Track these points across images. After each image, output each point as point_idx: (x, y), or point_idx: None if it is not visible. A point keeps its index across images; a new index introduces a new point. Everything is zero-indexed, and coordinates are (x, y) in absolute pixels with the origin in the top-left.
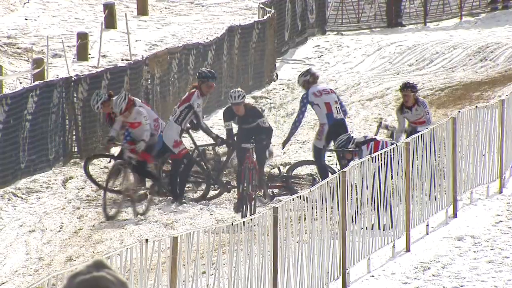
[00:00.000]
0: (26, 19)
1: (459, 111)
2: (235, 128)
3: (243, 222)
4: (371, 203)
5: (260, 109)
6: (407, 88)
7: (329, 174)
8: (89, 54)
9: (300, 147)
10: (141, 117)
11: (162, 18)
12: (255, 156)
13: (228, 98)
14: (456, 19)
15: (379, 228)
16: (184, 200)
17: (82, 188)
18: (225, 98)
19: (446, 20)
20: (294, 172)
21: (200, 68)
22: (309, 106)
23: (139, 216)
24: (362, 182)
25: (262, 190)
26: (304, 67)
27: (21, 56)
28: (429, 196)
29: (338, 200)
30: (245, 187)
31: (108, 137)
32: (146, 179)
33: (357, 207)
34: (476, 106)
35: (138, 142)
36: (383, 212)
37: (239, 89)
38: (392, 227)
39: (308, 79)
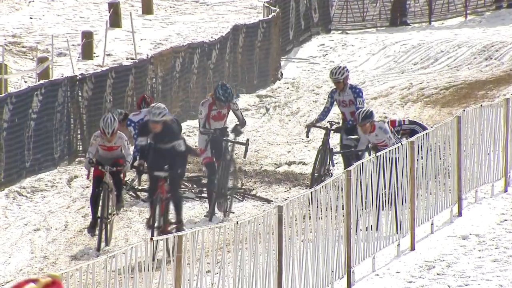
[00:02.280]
0: (31, 18)
1: (464, 110)
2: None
3: (248, 221)
4: (376, 203)
5: (179, 130)
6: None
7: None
8: (94, 53)
9: (305, 146)
10: (123, 141)
11: (167, 17)
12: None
13: (147, 113)
14: (461, 17)
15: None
16: (211, 215)
17: (87, 187)
18: None
19: (451, 19)
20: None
21: (205, 67)
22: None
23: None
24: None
25: (177, 223)
26: (309, 66)
27: (26, 55)
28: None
29: (343, 199)
30: (156, 220)
31: (88, 160)
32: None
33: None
34: (481, 105)
35: (124, 163)
36: (386, 212)
37: (161, 105)
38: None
39: (348, 74)
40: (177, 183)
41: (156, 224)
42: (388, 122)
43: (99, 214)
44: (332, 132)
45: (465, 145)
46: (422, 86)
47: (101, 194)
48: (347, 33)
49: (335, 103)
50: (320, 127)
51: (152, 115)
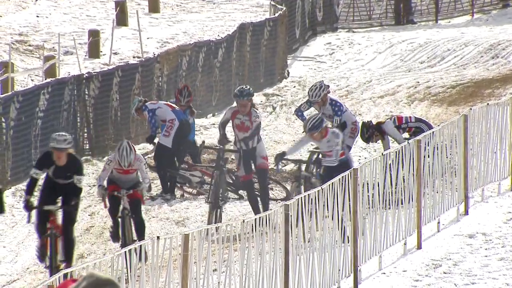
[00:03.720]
0: (37, 17)
1: (471, 109)
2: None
3: (255, 220)
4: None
5: (80, 163)
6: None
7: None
8: (101, 52)
9: (312, 144)
10: (141, 164)
11: (173, 15)
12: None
13: (50, 140)
14: (468, 16)
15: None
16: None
17: (94, 185)
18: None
19: (457, 17)
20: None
21: (211, 66)
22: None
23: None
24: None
25: (67, 260)
26: (316, 64)
27: (33, 54)
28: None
29: (349, 198)
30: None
31: (100, 187)
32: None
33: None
34: (488, 104)
35: (139, 186)
36: (393, 211)
37: (65, 133)
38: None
39: (327, 92)
40: (73, 218)
41: (49, 264)
42: (395, 119)
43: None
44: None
45: (471, 144)
46: (429, 85)
47: (121, 222)
48: (353, 32)
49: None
50: (292, 160)
51: (56, 142)
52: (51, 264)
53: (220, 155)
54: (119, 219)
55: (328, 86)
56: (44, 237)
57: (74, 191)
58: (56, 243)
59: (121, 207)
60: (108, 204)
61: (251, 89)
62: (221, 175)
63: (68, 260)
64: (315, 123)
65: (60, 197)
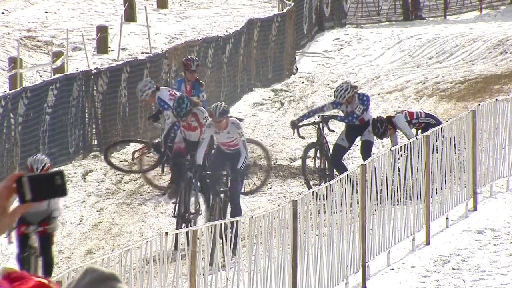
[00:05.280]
0: (46, 12)
1: (479, 104)
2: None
3: (263, 215)
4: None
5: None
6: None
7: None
8: (109, 47)
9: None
10: None
11: (182, 11)
12: None
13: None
14: (476, 12)
15: None
16: None
17: (102, 181)
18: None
19: (466, 13)
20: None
21: (219, 61)
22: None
23: None
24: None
25: None
26: (324, 60)
27: (41, 49)
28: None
29: (358, 193)
30: None
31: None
32: None
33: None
34: (496, 99)
35: (51, 222)
36: (401, 207)
37: None
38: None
39: (353, 94)
40: None
41: None
42: (406, 114)
43: None
44: (325, 125)
45: (480, 139)
46: (437, 80)
47: (28, 259)
48: (362, 27)
49: (335, 111)
50: (309, 123)
51: None
52: None
53: (185, 164)
54: (26, 258)
55: (356, 87)
56: None
57: None
58: None
59: (29, 245)
60: (13, 240)
61: (186, 105)
62: (187, 186)
63: None
64: (225, 107)
65: None
